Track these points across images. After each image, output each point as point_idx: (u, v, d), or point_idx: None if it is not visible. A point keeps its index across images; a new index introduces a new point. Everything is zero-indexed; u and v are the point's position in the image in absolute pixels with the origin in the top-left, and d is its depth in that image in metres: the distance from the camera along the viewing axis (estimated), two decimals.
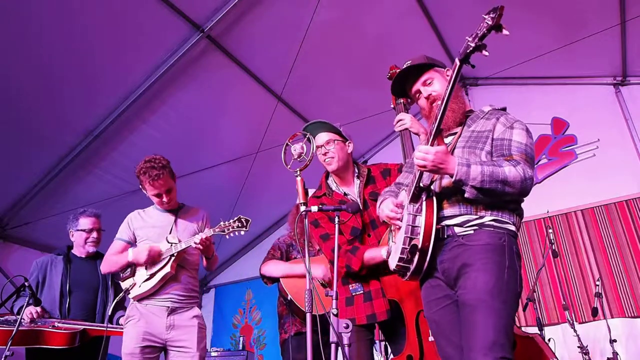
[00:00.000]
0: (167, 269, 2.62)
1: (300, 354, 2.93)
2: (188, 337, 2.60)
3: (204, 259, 2.78)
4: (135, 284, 2.69)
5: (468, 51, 1.51)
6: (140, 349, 2.53)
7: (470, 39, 1.50)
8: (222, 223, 2.66)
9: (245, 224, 2.56)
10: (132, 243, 2.80)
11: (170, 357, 2.61)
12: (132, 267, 2.73)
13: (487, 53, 1.49)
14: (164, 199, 2.74)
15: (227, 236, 2.66)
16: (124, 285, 2.75)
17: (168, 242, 2.67)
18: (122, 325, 2.76)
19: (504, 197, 1.67)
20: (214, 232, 2.58)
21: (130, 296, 2.71)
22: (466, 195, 1.63)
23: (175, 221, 2.81)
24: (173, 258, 2.63)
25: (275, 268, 3.10)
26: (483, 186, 1.60)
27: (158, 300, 2.63)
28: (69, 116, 4.05)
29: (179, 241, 2.65)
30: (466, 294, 1.63)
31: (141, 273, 2.69)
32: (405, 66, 1.95)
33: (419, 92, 1.95)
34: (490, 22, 1.44)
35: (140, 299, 2.66)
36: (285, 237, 3.33)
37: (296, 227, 3.06)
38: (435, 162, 1.61)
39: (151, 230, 2.78)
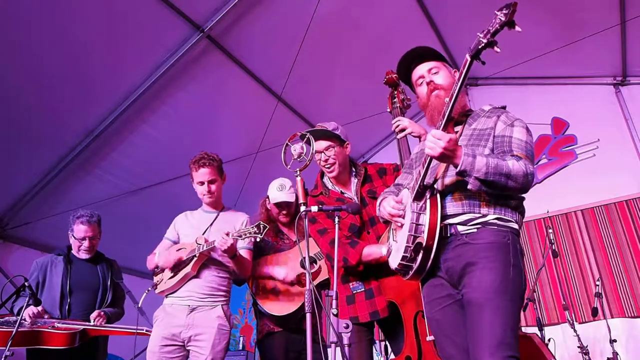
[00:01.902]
0: (188, 269, 2.65)
1: (271, 354, 2.89)
2: (205, 338, 2.59)
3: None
4: (163, 279, 2.76)
5: (480, 47, 1.47)
6: (159, 348, 2.56)
7: (481, 35, 1.47)
8: (240, 227, 2.67)
9: (261, 230, 2.55)
10: (177, 242, 2.88)
11: (190, 356, 2.64)
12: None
13: (498, 50, 1.45)
14: (206, 188, 2.81)
15: (242, 240, 2.69)
16: (155, 279, 2.82)
17: (197, 243, 2.70)
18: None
19: (506, 192, 1.66)
20: (232, 235, 2.58)
21: (156, 291, 2.77)
22: (469, 187, 1.62)
23: (213, 223, 2.84)
24: (195, 259, 2.65)
25: None
26: (487, 178, 1.57)
27: (180, 299, 2.67)
28: (69, 116, 4.04)
29: (205, 242, 2.66)
30: (472, 292, 1.61)
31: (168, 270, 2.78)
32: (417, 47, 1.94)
33: (422, 77, 1.93)
34: (503, 18, 1.42)
35: (166, 295, 2.73)
36: None
37: (296, 228, 3.05)
38: (447, 148, 1.57)
39: (189, 229, 2.86)
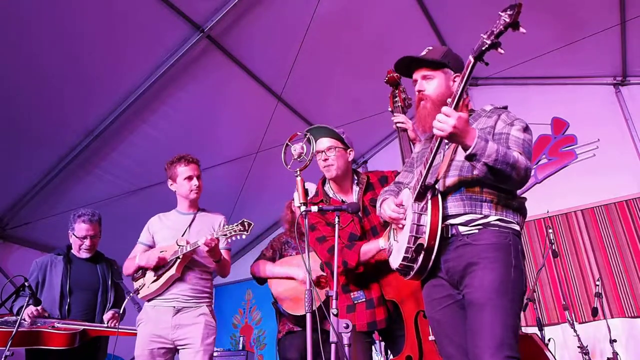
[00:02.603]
0: (172, 271, 2.64)
1: (290, 353, 2.91)
2: (193, 334, 2.60)
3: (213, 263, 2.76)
4: (145, 284, 2.73)
5: (483, 48, 1.46)
6: (148, 351, 2.56)
7: (485, 36, 1.45)
8: (225, 226, 2.66)
9: (247, 227, 2.53)
10: (152, 246, 2.85)
11: (180, 356, 2.63)
12: (143, 268, 2.78)
13: (502, 51, 1.44)
14: (196, 182, 2.80)
15: (228, 239, 2.67)
16: (136, 285, 2.79)
17: (177, 244, 2.68)
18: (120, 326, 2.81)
19: (506, 183, 1.65)
20: (217, 234, 2.57)
21: (139, 296, 2.75)
22: (475, 172, 1.61)
23: (191, 224, 2.82)
24: (179, 260, 2.64)
25: (262, 268, 3.10)
26: (495, 165, 1.56)
27: (165, 300, 2.66)
28: (69, 116, 4.05)
29: (187, 243, 2.65)
30: (473, 293, 1.61)
31: (150, 274, 2.74)
32: (423, 53, 1.92)
33: (416, 81, 1.92)
34: (507, 20, 1.41)
35: (149, 299, 2.70)
36: (281, 235, 3.32)
37: (296, 227, 3.06)
38: (458, 127, 1.52)
39: (166, 231, 2.82)
